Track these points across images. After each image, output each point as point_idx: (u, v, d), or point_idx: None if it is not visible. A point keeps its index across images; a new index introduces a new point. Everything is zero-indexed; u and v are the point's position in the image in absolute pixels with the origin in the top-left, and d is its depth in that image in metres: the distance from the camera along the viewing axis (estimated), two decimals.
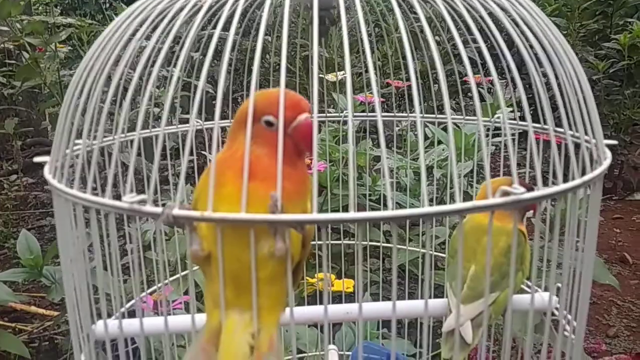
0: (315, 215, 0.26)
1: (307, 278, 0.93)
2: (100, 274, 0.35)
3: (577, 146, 0.39)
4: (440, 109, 0.67)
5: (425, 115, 0.63)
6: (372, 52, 2.09)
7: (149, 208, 0.28)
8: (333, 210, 1.22)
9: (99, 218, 0.36)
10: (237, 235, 0.30)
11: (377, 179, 1.33)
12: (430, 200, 1.26)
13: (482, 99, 0.96)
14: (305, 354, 0.85)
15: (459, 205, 0.27)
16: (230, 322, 0.32)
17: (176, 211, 0.27)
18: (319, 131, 1.20)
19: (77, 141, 0.40)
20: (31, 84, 1.54)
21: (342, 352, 0.83)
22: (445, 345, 0.49)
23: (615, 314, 1.57)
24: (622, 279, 1.76)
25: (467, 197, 0.81)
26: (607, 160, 0.37)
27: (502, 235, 0.51)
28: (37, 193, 2.63)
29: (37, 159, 0.40)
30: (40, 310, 1.51)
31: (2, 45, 1.81)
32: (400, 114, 0.67)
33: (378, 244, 0.92)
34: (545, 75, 0.38)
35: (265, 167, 0.31)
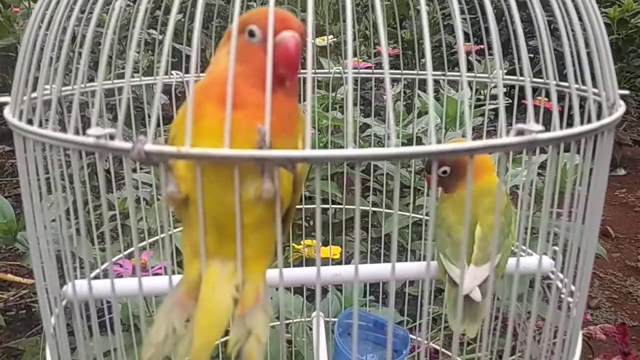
0: (309, 152, 0.23)
1: (293, 245, 0.91)
2: (65, 225, 0.32)
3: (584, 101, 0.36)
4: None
5: (434, 73, 0.59)
6: (361, 21, 2.04)
7: (117, 143, 0.25)
8: (322, 179, 1.20)
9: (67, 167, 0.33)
10: (219, 174, 0.26)
11: (365, 147, 1.30)
12: (418, 172, 1.24)
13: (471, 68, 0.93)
14: (291, 321, 0.83)
15: (470, 143, 0.24)
16: (212, 273, 0.29)
17: (149, 146, 0.24)
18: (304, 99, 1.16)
19: (46, 86, 0.36)
20: (4, 43, 1.46)
21: (328, 319, 0.81)
22: (454, 320, 0.46)
23: (598, 286, 1.59)
24: (605, 255, 1.78)
25: None
26: (622, 108, 0.34)
27: (485, 192, 0.48)
28: (13, 161, 2.55)
29: None
30: (17, 279, 1.47)
31: None
32: (408, 71, 0.63)
33: (366, 208, 0.90)
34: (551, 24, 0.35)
35: (249, 93, 0.27)
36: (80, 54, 0.41)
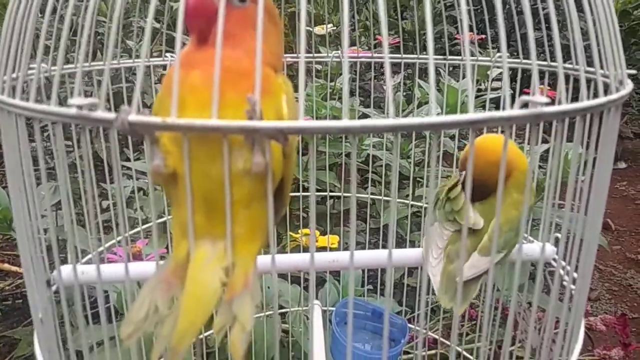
0: (304, 123, 0.22)
1: (291, 233, 0.90)
2: (46, 200, 0.30)
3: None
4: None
5: (437, 57, 0.58)
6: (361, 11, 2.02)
7: (100, 114, 0.23)
8: (319, 169, 1.18)
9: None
10: (207, 147, 0.25)
11: (364, 138, 1.29)
12: (417, 164, 1.23)
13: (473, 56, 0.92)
14: (288, 310, 0.82)
15: (472, 115, 0.23)
16: (200, 254, 0.27)
17: (133, 117, 0.23)
18: (306, 86, 1.15)
19: (31, 65, 0.35)
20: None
21: (325, 308, 0.80)
22: (445, 295, 0.45)
23: (597, 278, 1.58)
24: (607, 245, 1.77)
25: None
26: (629, 86, 0.33)
27: (511, 188, 0.47)
28: None
29: None
30: (14, 268, 1.46)
31: None
32: (409, 55, 0.62)
33: (365, 196, 0.89)
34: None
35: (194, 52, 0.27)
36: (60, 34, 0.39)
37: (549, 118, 0.24)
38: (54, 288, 0.45)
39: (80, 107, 0.23)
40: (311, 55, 0.67)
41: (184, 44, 0.29)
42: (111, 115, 0.23)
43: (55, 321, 0.41)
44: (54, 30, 0.42)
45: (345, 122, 0.22)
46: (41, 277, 0.37)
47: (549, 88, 0.56)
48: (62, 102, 0.25)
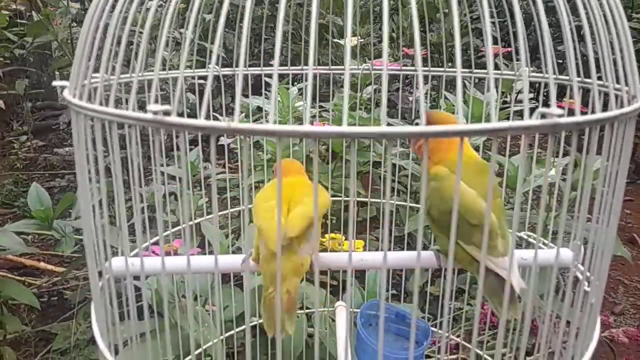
0: (305, 128, 0.26)
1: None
2: (122, 202, 0.35)
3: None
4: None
5: (463, 70, 0.61)
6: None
7: (173, 119, 0.27)
8: (345, 177, 1.22)
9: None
10: None
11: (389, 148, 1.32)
12: None
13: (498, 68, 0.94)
14: (313, 310, 0.85)
15: (494, 124, 0.26)
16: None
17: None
18: (333, 96, 1.19)
19: (94, 75, 0.40)
20: (42, 40, 1.52)
21: (350, 310, 0.83)
22: (499, 307, 0.45)
23: (622, 293, 1.57)
24: (631, 259, 1.75)
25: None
26: None
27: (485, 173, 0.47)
28: (46, 155, 2.63)
29: (55, 83, 0.39)
30: (50, 267, 1.53)
31: (14, 7, 1.79)
32: (436, 68, 0.65)
33: (391, 201, 0.92)
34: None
35: None
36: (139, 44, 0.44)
37: (564, 128, 0.27)
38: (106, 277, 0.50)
39: (155, 112, 0.27)
40: (342, 67, 0.71)
41: (218, 56, 0.33)
42: (183, 120, 0.27)
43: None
44: (134, 40, 0.47)
45: (342, 129, 0.25)
46: (101, 265, 0.41)
47: (572, 101, 0.58)
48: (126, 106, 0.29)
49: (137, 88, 0.29)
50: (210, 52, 0.68)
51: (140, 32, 0.30)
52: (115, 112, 0.30)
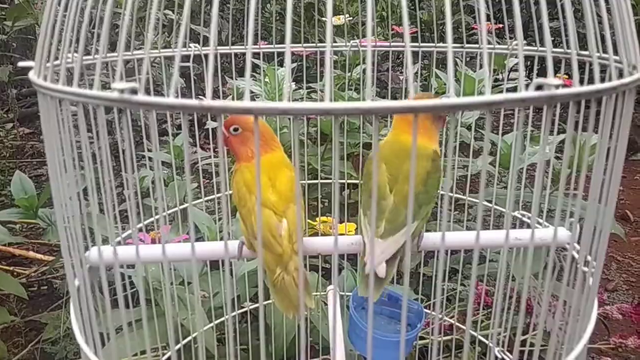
0: (289, 104, 0.24)
1: (309, 221, 0.92)
2: (94, 190, 0.32)
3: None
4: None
5: (454, 45, 0.59)
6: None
7: (140, 97, 0.25)
8: (340, 158, 1.20)
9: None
10: None
11: (381, 128, 1.30)
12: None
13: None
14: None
15: (489, 97, 0.24)
16: None
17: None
18: (322, 77, 1.16)
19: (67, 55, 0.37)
20: (23, 23, 1.48)
21: (342, 294, 0.82)
22: (361, 284, 0.48)
23: (615, 269, 1.57)
24: (624, 236, 1.76)
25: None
26: None
27: (422, 161, 0.47)
28: (33, 143, 2.59)
29: (21, 64, 0.36)
30: (39, 256, 1.51)
31: None
32: (426, 44, 0.63)
33: None
34: None
35: None
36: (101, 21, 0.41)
37: (562, 100, 0.26)
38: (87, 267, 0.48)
39: (121, 90, 0.25)
40: (338, 47, 0.69)
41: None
42: (151, 99, 0.25)
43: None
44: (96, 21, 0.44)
45: (324, 105, 0.24)
46: (81, 257, 0.39)
47: (566, 76, 0.56)
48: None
49: (100, 68, 0.26)
50: (197, 33, 0.65)
51: (102, 10, 0.28)
52: (79, 92, 0.27)
